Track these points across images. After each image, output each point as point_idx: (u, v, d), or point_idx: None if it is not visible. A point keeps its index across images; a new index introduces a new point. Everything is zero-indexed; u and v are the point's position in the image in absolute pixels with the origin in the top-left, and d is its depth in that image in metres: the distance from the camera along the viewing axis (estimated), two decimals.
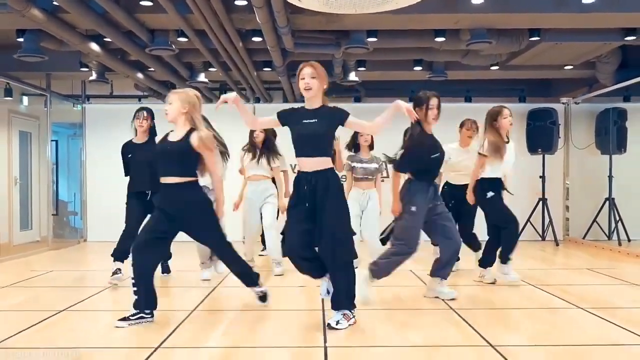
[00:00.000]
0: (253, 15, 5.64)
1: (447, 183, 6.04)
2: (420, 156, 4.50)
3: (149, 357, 3.25)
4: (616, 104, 9.50)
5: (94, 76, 8.26)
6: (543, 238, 9.41)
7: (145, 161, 5.08)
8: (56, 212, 10.33)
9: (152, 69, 8.20)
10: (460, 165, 5.84)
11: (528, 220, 9.25)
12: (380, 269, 4.50)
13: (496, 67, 8.35)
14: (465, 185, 5.45)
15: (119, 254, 5.39)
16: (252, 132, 6.03)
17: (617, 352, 3.41)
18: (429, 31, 6.57)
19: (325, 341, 3.58)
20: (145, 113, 5.39)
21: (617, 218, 9.06)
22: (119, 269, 5.42)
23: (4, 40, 7.44)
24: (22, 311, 4.47)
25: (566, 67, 8.45)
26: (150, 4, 5.47)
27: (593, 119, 9.63)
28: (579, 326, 4.01)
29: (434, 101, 4.49)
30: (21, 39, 6.59)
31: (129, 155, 5.42)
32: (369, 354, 3.41)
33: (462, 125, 6.00)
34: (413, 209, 4.48)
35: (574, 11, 5.66)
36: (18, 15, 5.38)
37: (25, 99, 10.17)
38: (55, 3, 5.40)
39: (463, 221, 5.84)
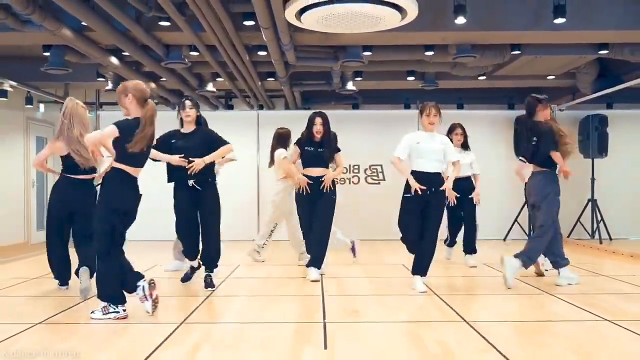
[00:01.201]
0: (259, 33, 6.29)
1: (414, 171, 5.18)
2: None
3: (174, 330, 3.88)
4: (599, 110, 10.14)
5: (109, 86, 8.91)
6: (529, 236, 10.04)
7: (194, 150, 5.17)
8: None
9: (164, 79, 8.85)
10: (429, 150, 5.20)
11: (515, 220, 9.92)
12: (530, 258, 5.38)
13: (483, 77, 9.00)
14: (437, 174, 5.15)
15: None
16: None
17: (571, 325, 4.05)
18: (419, 46, 7.23)
19: (324, 318, 4.21)
20: (190, 103, 5.33)
21: (599, 218, 9.69)
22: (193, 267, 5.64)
23: (25, 52, 8.11)
24: (59, 297, 5.11)
25: (549, 77, 9.10)
26: (168, 24, 6.12)
27: (577, 125, 10.26)
28: (543, 307, 4.65)
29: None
30: (47, 53, 7.23)
31: (172, 141, 5.30)
32: (361, 327, 4.04)
33: (421, 112, 5.31)
34: (559, 197, 5.42)
35: (547, 29, 6.31)
36: (50, 34, 6.04)
37: (41, 106, 10.83)
38: (83, 23, 6.06)
39: (434, 214, 5.23)
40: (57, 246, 5.25)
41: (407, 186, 5.14)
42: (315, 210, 5.80)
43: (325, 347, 3.48)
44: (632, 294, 5.21)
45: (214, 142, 5.27)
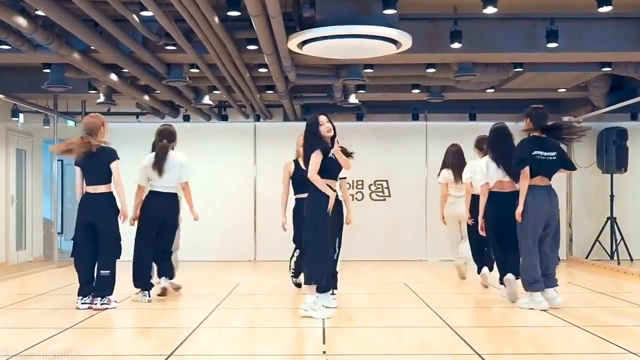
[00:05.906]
0: (261, 55, 8.03)
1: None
2: None
3: (190, 333, 5.62)
4: (617, 123, 11.76)
5: (101, 98, 10.66)
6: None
7: None
8: (62, 230, 12.75)
9: (158, 92, 10.61)
10: None
11: None
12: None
13: (492, 90, 10.76)
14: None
15: None
16: None
17: (544, 331, 5.78)
18: (420, 64, 8.98)
19: (323, 323, 5.94)
20: None
21: (620, 237, 11.32)
22: None
23: (14, 65, 9.83)
24: (71, 309, 6.86)
25: (560, 90, 10.88)
26: (174, 48, 7.91)
27: (595, 138, 11.91)
28: (520, 315, 6.37)
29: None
30: (47, 70, 8.99)
31: None
32: (355, 329, 5.77)
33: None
34: None
35: (543, 51, 8.06)
36: (60, 57, 7.82)
37: (21, 116, 12.53)
38: (92, 47, 7.85)
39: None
40: None
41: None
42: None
43: (324, 343, 5.22)
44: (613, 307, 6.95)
45: None
